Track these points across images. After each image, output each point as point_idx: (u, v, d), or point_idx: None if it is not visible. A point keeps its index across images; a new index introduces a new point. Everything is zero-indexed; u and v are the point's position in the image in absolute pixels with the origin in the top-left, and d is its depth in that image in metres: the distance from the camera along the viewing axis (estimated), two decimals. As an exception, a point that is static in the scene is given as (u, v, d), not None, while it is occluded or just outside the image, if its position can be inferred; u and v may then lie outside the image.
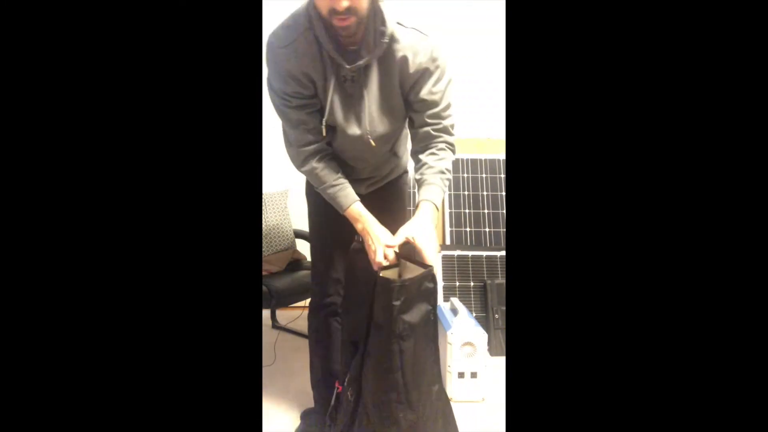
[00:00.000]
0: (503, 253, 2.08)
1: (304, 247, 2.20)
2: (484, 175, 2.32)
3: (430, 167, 1.03)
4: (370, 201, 1.16)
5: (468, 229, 2.25)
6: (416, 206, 1.02)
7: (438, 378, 0.90)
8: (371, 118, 1.02)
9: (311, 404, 1.34)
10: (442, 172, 1.04)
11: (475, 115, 2.40)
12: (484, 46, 2.37)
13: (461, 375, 1.50)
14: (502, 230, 2.24)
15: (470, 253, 2.08)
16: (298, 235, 2.19)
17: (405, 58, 0.98)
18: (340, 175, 1.09)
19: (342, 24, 0.87)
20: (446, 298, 1.94)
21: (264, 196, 2.11)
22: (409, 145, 1.18)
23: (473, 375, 1.50)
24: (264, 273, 1.90)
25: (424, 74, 1.00)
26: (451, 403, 0.94)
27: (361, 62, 0.95)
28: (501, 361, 1.77)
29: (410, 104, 1.05)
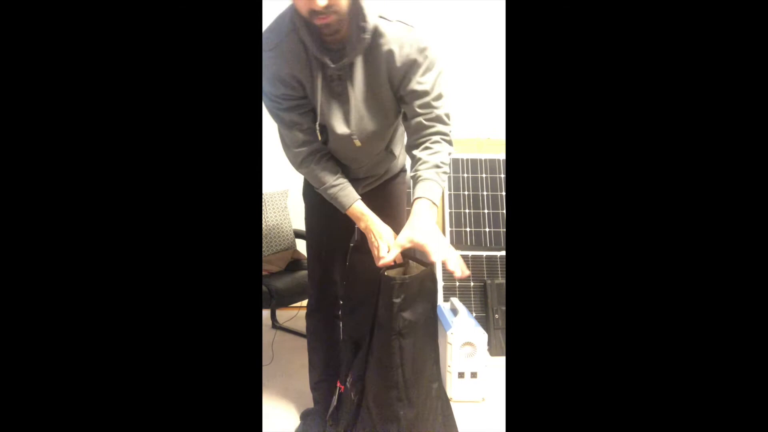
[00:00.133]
0: (503, 253, 2.08)
1: (304, 247, 2.20)
2: (484, 175, 2.32)
3: (424, 162, 0.98)
4: (367, 201, 1.16)
5: (468, 229, 2.25)
6: (412, 206, 0.95)
7: (438, 376, 0.90)
8: (358, 117, 1.01)
9: (311, 404, 1.34)
10: (438, 166, 0.98)
11: (475, 115, 2.40)
12: (484, 46, 2.37)
13: (461, 375, 1.50)
14: (502, 230, 2.24)
15: (470, 253, 2.08)
16: (298, 235, 2.19)
17: (391, 52, 0.94)
18: (339, 174, 1.08)
19: (323, 22, 0.86)
20: (446, 298, 1.94)
21: (264, 196, 2.11)
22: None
23: (473, 375, 1.50)
24: (264, 273, 1.90)
25: (413, 66, 0.96)
26: (452, 403, 0.94)
27: (344, 60, 0.94)
28: (501, 361, 1.77)
29: (402, 98, 1.01)
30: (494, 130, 2.41)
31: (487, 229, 2.24)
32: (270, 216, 2.10)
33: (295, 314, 2.21)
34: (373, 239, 1.01)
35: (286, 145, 1.10)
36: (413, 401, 0.83)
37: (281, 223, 2.13)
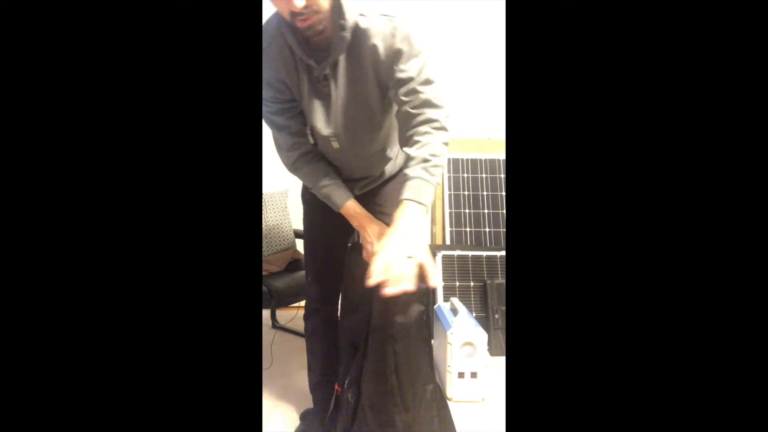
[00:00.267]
0: (503, 253, 2.08)
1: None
2: (484, 175, 2.32)
3: (411, 159, 0.91)
4: (364, 202, 1.16)
5: (468, 229, 2.25)
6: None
7: (432, 378, 0.90)
8: (339, 118, 1.00)
9: (311, 405, 1.34)
10: (425, 160, 0.89)
11: (475, 115, 2.40)
12: (484, 46, 2.37)
13: (461, 375, 1.49)
14: (502, 230, 2.24)
15: (470, 253, 2.08)
16: (298, 235, 2.19)
17: (374, 47, 0.91)
18: (332, 174, 1.09)
19: (304, 24, 0.86)
20: (446, 298, 1.94)
21: (264, 196, 2.11)
22: None
23: (473, 375, 1.50)
24: (264, 273, 1.90)
25: (396, 56, 0.92)
26: (452, 403, 0.94)
27: (328, 60, 0.93)
28: (501, 361, 1.77)
29: (392, 93, 0.96)
30: (494, 130, 2.41)
31: (487, 229, 2.24)
32: (270, 216, 2.10)
33: (296, 314, 2.21)
34: (367, 236, 1.02)
35: (279, 147, 1.10)
36: (408, 405, 0.83)
37: (281, 223, 2.13)
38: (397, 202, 1.13)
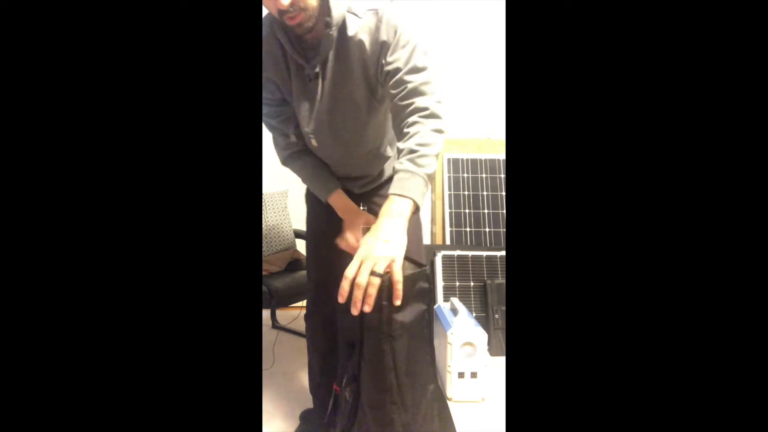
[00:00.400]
0: (503, 253, 2.08)
1: (303, 247, 2.20)
2: (484, 175, 2.32)
3: (400, 152, 0.85)
4: (365, 202, 1.16)
5: (468, 229, 2.25)
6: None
7: (434, 378, 0.89)
8: (321, 116, 1.00)
9: (311, 405, 1.34)
10: (412, 151, 0.82)
11: (475, 115, 2.41)
12: (484, 46, 2.37)
13: (461, 375, 1.50)
14: (502, 230, 2.24)
15: (470, 253, 2.08)
16: (298, 235, 2.19)
17: (360, 42, 0.90)
18: (321, 167, 1.11)
19: (293, 22, 0.86)
20: (446, 298, 1.94)
21: (264, 196, 2.11)
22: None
23: (473, 375, 1.50)
24: (264, 273, 1.90)
25: (383, 49, 0.89)
26: (451, 403, 0.94)
27: (316, 60, 0.93)
28: (501, 361, 1.77)
29: (382, 87, 0.94)
30: (494, 130, 2.41)
31: (487, 229, 2.24)
32: (270, 216, 2.11)
33: (299, 314, 2.21)
34: (348, 227, 1.05)
35: (275, 143, 1.13)
36: (408, 404, 0.82)
37: (281, 223, 2.13)
38: None
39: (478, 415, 1.42)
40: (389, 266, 0.74)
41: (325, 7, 0.89)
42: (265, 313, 2.27)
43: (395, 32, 0.88)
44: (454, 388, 1.48)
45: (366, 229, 1.07)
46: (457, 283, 2.03)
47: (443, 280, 2.03)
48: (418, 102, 0.86)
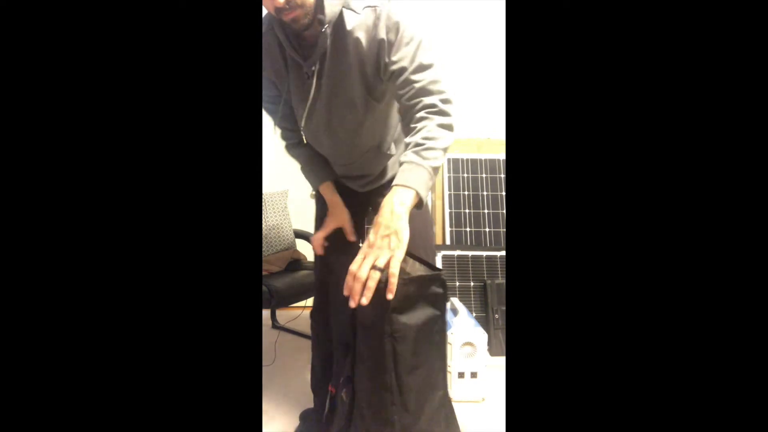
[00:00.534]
0: (503, 253, 2.08)
1: (304, 247, 2.21)
2: (484, 175, 2.32)
3: (407, 146, 0.84)
4: (369, 201, 1.16)
5: (468, 229, 2.25)
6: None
7: (443, 384, 0.88)
8: (315, 113, 1.00)
9: (311, 405, 1.34)
10: (418, 144, 0.82)
11: (475, 115, 2.41)
12: (484, 46, 2.37)
13: (461, 375, 1.50)
14: (502, 230, 2.24)
15: (470, 253, 2.08)
16: (298, 235, 2.19)
17: (357, 40, 0.89)
18: (317, 158, 1.14)
19: (288, 17, 0.85)
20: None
21: (264, 196, 2.11)
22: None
23: (473, 375, 1.50)
24: (264, 273, 1.90)
25: (382, 47, 0.87)
26: (452, 404, 0.93)
27: (313, 58, 0.93)
28: (501, 361, 1.77)
29: (387, 86, 0.94)
30: (494, 130, 2.41)
31: (487, 229, 2.24)
32: (270, 216, 2.11)
33: (300, 314, 2.21)
34: (328, 220, 1.11)
35: (279, 135, 1.17)
36: (410, 407, 0.81)
37: (281, 223, 2.13)
38: None
39: (478, 415, 1.41)
40: (389, 260, 0.74)
41: (319, 5, 0.88)
42: (265, 313, 2.27)
43: (397, 29, 0.87)
44: (454, 388, 1.48)
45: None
46: (457, 283, 2.03)
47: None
48: (426, 100, 0.86)
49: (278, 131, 1.15)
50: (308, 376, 1.32)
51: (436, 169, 0.83)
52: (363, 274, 0.73)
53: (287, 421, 1.39)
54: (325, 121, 1.01)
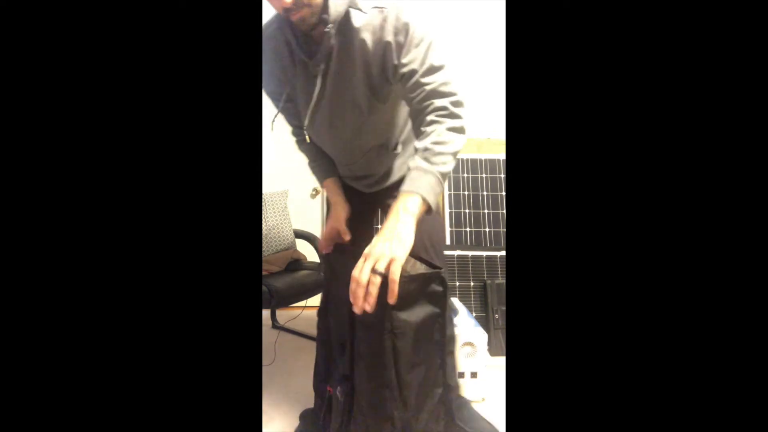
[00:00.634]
0: (503, 253, 2.08)
1: (304, 247, 2.21)
2: (484, 175, 2.32)
3: (416, 151, 0.84)
4: (378, 202, 1.17)
5: (468, 229, 2.25)
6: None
7: (442, 381, 0.89)
8: (319, 112, 1.01)
9: (311, 404, 1.34)
10: (426, 149, 0.81)
11: (475, 115, 2.41)
12: (484, 46, 2.37)
13: (461, 375, 1.50)
14: (502, 230, 2.24)
15: (470, 253, 2.08)
16: (298, 235, 2.19)
17: (363, 41, 0.88)
18: (321, 154, 1.16)
19: (296, 18, 0.85)
20: (446, 298, 1.94)
21: (264, 196, 2.11)
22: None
23: (473, 375, 1.50)
24: (264, 273, 1.90)
25: (389, 49, 0.87)
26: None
27: (318, 57, 0.92)
28: (501, 361, 1.77)
29: (398, 88, 0.93)
30: (494, 130, 2.41)
31: (487, 229, 2.24)
32: (270, 216, 2.11)
33: (299, 314, 2.21)
34: (330, 218, 1.12)
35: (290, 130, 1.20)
36: (409, 403, 0.82)
37: (281, 223, 2.13)
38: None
39: (478, 415, 1.41)
40: (390, 264, 0.74)
41: (325, 4, 0.88)
42: (265, 313, 2.27)
43: (407, 31, 0.85)
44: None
45: (339, 247, 1.12)
46: (457, 283, 2.03)
47: (443, 280, 2.02)
48: (436, 102, 0.85)
49: (291, 131, 1.18)
50: (308, 376, 1.32)
51: (444, 174, 0.82)
52: (363, 278, 0.73)
53: (287, 421, 1.39)
54: (328, 121, 1.01)
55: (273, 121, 1.10)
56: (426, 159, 0.81)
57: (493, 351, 1.81)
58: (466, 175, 2.32)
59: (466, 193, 2.30)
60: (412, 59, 0.86)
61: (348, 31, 0.89)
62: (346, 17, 0.89)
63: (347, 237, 1.15)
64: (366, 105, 0.97)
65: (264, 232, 2.06)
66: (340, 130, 1.03)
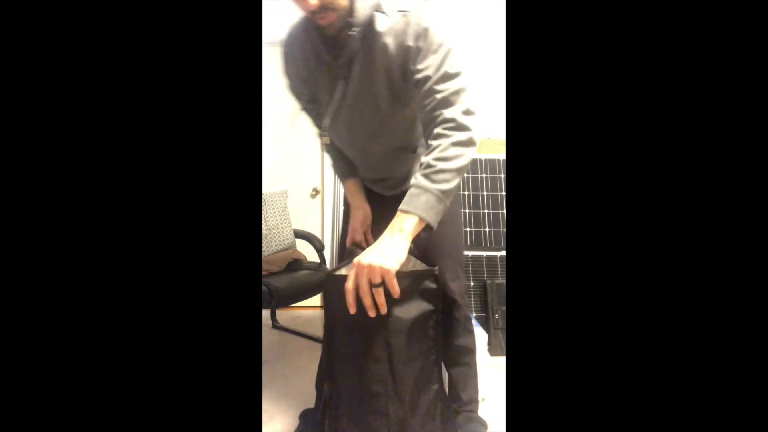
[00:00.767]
0: (503, 253, 2.08)
1: (304, 247, 2.21)
2: (484, 175, 2.32)
3: (421, 165, 0.83)
4: (397, 205, 1.17)
5: (468, 229, 2.25)
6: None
7: (439, 378, 0.89)
8: (340, 114, 1.01)
9: (311, 404, 1.34)
10: (429, 166, 0.80)
11: (475, 114, 2.40)
12: (484, 46, 2.37)
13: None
14: (502, 230, 2.24)
15: (470, 253, 2.08)
16: (298, 235, 2.19)
17: (385, 45, 0.88)
18: (343, 156, 1.17)
19: (323, 22, 0.86)
20: (446, 298, 1.94)
21: (264, 196, 2.11)
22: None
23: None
24: (264, 273, 1.90)
25: (409, 54, 0.87)
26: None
27: (342, 59, 0.93)
28: (501, 361, 1.77)
29: (413, 95, 0.93)
30: (494, 130, 2.41)
31: (487, 229, 2.24)
32: (270, 216, 2.11)
33: (299, 314, 2.21)
34: (351, 220, 1.12)
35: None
36: (404, 398, 0.82)
37: (281, 223, 2.13)
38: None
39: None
40: (383, 276, 0.76)
41: (352, 7, 0.88)
42: (265, 313, 2.27)
43: (426, 36, 0.85)
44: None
45: (332, 277, 1.12)
46: (457, 283, 2.03)
47: (443, 280, 2.02)
48: (446, 113, 0.84)
49: (297, 126, 1.21)
50: (308, 376, 1.32)
51: (446, 192, 0.81)
52: (364, 290, 0.76)
53: (287, 420, 1.39)
54: (349, 122, 1.02)
55: (295, 119, 1.13)
56: (427, 176, 0.80)
57: (493, 351, 1.81)
58: (466, 175, 2.32)
59: (466, 193, 2.30)
60: (427, 65, 0.86)
61: (372, 34, 0.89)
62: (371, 21, 0.89)
63: (363, 242, 1.15)
64: (387, 108, 0.97)
65: (264, 232, 2.06)
66: (360, 132, 1.04)
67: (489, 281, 1.99)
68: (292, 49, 1.01)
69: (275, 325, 2.23)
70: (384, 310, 0.77)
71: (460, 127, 0.83)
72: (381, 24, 0.88)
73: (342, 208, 2.26)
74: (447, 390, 1.19)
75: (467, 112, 0.85)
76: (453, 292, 1.13)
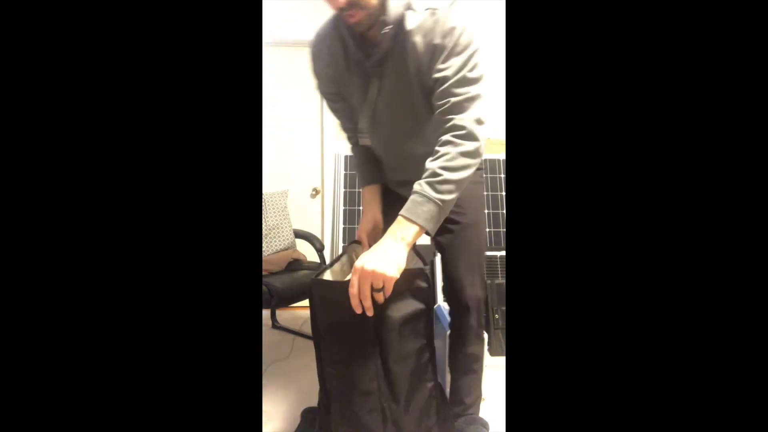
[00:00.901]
0: (503, 253, 2.08)
1: (303, 247, 2.21)
2: (484, 175, 2.32)
3: (426, 170, 0.83)
4: None
5: (468, 229, 2.25)
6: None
7: (434, 376, 0.90)
8: (375, 115, 1.01)
9: (311, 404, 1.34)
10: (434, 174, 0.80)
11: (486, 124, 2.40)
12: (484, 45, 2.37)
13: (461, 375, 1.49)
14: (502, 230, 2.24)
15: (470, 253, 2.08)
16: (298, 235, 2.19)
17: (414, 43, 0.88)
18: (369, 159, 1.16)
19: (352, 21, 0.86)
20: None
21: (264, 196, 2.11)
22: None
23: (473, 375, 1.49)
24: (264, 273, 1.90)
25: (435, 53, 0.86)
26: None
27: (374, 58, 0.92)
28: (501, 361, 1.77)
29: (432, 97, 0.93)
30: (494, 130, 2.41)
31: (487, 229, 2.24)
32: (270, 216, 2.11)
33: (299, 315, 2.21)
34: (362, 222, 1.10)
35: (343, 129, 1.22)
36: (399, 396, 0.83)
37: (281, 224, 2.13)
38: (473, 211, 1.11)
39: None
40: (383, 281, 0.77)
41: (383, 6, 0.87)
42: (265, 313, 2.27)
43: (452, 36, 0.85)
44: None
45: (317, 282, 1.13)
46: (457, 283, 2.03)
47: (443, 280, 2.02)
48: (457, 119, 0.83)
49: (344, 130, 1.18)
50: (308, 377, 1.33)
51: (447, 203, 0.81)
52: (365, 295, 0.77)
53: (287, 421, 1.39)
54: (381, 122, 1.01)
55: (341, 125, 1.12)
56: (431, 185, 0.80)
57: (493, 351, 1.81)
58: (466, 175, 2.32)
59: (466, 193, 2.30)
60: (448, 66, 0.85)
61: (402, 32, 0.89)
62: (401, 19, 0.89)
63: (367, 248, 1.15)
64: (421, 106, 0.96)
65: (264, 232, 2.06)
66: (392, 133, 1.03)
67: (489, 281, 1.99)
68: (320, 48, 1.00)
69: (275, 325, 2.23)
70: (372, 311, 0.80)
71: (470, 137, 0.82)
72: (411, 22, 0.88)
73: (342, 208, 2.26)
74: (450, 395, 1.19)
75: (479, 122, 0.84)
76: (469, 298, 1.11)
